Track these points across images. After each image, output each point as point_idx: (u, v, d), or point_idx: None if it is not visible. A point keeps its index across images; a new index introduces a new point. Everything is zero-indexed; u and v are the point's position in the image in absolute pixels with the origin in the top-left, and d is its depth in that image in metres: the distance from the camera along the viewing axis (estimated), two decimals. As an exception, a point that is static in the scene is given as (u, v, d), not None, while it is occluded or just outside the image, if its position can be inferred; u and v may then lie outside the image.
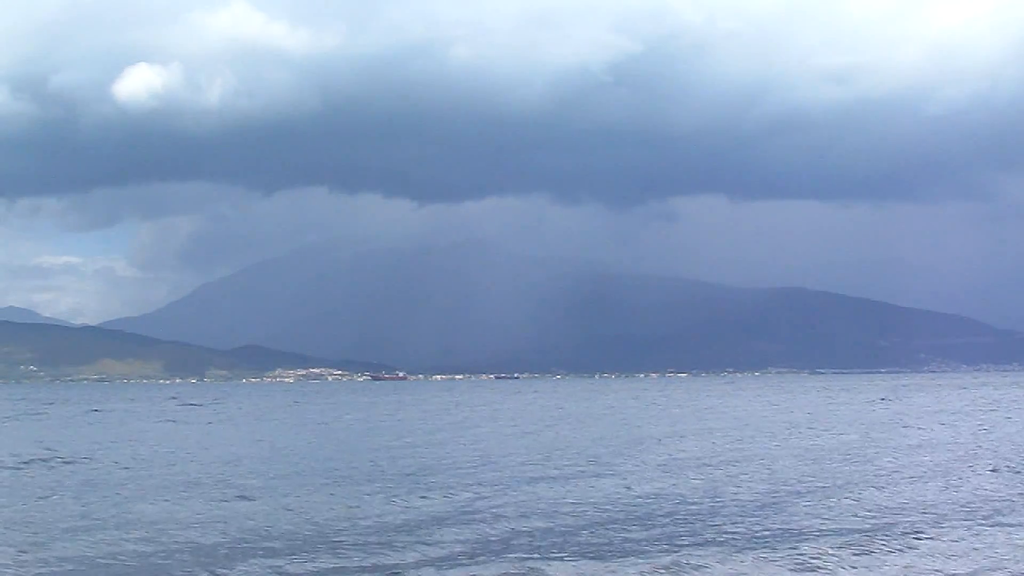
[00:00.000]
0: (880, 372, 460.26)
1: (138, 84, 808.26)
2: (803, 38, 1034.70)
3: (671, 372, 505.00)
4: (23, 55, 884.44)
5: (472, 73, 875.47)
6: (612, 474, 41.22)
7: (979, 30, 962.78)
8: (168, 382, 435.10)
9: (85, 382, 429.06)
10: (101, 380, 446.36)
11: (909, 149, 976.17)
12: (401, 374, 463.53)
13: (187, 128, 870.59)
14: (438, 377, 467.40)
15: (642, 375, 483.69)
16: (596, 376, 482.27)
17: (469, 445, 57.16)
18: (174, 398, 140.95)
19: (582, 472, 42.01)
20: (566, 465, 44.61)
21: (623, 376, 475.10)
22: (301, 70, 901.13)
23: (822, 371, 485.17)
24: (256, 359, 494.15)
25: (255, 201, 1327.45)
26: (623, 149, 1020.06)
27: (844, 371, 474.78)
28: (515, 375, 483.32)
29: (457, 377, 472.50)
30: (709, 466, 44.16)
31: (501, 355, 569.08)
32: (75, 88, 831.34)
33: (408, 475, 41.45)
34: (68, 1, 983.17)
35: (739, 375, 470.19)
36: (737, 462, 45.67)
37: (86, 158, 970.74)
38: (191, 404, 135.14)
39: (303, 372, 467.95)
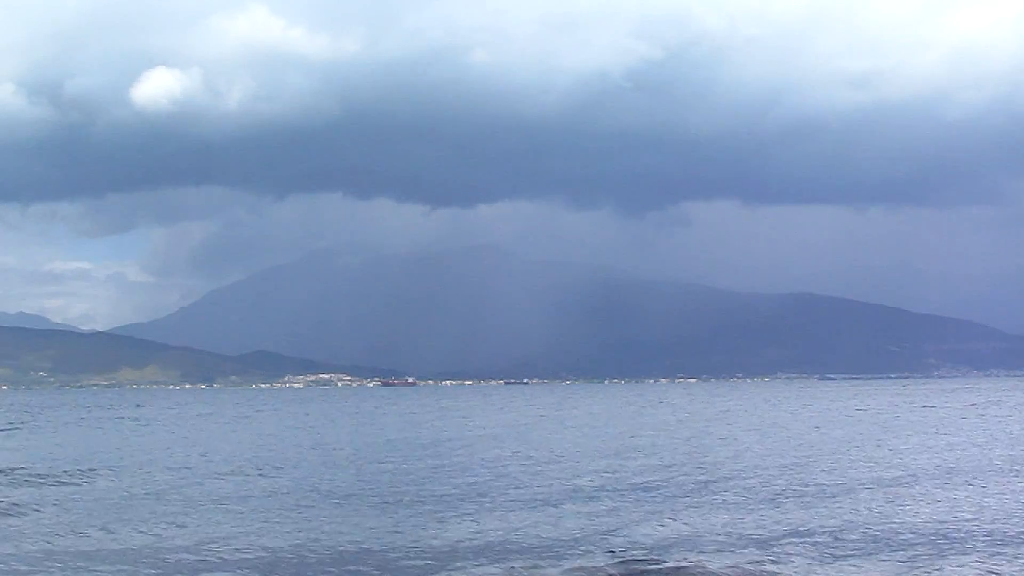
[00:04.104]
0: (890, 377, 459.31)
1: (157, 88, 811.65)
2: (823, 43, 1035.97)
3: (680, 378, 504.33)
4: (40, 59, 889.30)
5: (491, 78, 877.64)
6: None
7: (999, 35, 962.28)
8: (178, 387, 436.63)
9: (96, 388, 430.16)
10: (111, 386, 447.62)
11: (926, 153, 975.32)
12: (411, 380, 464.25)
13: (204, 133, 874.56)
14: (448, 383, 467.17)
15: (651, 381, 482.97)
16: (605, 382, 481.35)
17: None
18: (258, 412, 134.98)
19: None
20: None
21: (632, 382, 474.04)
22: (320, 75, 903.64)
23: (832, 376, 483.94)
24: (266, 365, 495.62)
25: (269, 206, 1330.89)
26: (639, 154, 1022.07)
27: (854, 376, 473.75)
28: (524, 381, 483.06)
29: (467, 383, 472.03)
30: None
31: (511, 361, 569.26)
32: (92, 92, 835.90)
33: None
34: (86, 5, 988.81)
35: (748, 381, 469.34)
36: None
37: (102, 163, 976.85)
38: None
39: (313, 378, 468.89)
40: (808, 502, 34.28)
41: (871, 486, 38.18)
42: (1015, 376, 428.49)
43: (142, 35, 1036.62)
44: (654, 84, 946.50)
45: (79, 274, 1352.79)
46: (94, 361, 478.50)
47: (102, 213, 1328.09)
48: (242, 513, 33.63)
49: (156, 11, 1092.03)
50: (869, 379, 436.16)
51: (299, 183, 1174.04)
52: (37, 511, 34.93)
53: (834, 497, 35.29)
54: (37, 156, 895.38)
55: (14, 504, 36.19)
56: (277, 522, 31.71)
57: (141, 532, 30.11)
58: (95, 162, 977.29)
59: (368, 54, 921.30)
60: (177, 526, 31.06)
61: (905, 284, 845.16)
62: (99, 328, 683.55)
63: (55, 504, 36.47)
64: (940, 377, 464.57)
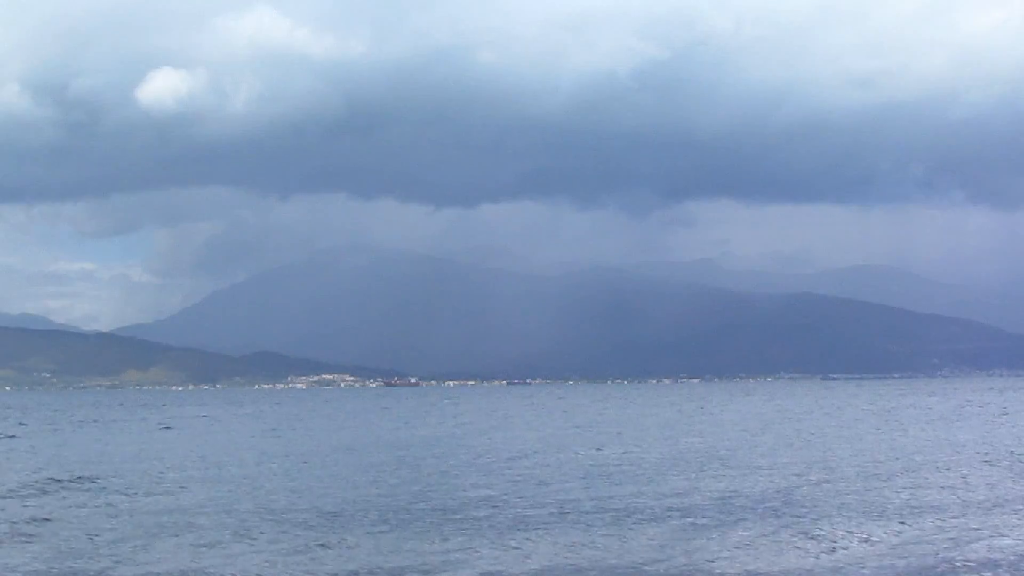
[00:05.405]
0: (893, 378, 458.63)
1: (162, 89, 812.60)
2: (829, 43, 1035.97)
3: (684, 377, 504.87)
4: (45, 60, 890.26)
5: (496, 78, 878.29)
6: None
7: (1005, 35, 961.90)
8: (182, 388, 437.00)
9: (99, 389, 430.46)
10: (115, 387, 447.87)
11: (932, 153, 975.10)
12: (414, 380, 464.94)
13: (209, 133, 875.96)
14: (451, 383, 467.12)
15: (654, 381, 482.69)
16: (609, 382, 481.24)
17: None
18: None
19: None
20: None
21: (636, 382, 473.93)
22: (325, 75, 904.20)
23: (834, 376, 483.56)
24: (269, 365, 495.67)
25: (273, 206, 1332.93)
26: (644, 154, 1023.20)
27: (856, 377, 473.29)
28: (527, 381, 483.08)
29: (470, 383, 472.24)
30: None
31: (514, 361, 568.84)
32: (97, 93, 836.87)
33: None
34: (91, 5, 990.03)
35: (752, 381, 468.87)
36: None
37: (106, 163, 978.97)
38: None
39: (316, 378, 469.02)
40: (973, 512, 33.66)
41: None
42: (1019, 376, 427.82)
43: (148, 35, 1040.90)
44: (660, 84, 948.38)
45: (83, 275, 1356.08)
46: (98, 362, 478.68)
47: (106, 214, 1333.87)
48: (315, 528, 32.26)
49: (162, 11, 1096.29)
50: (872, 379, 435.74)
51: (303, 183, 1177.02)
52: (67, 522, 33.61)
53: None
54: (42, 157, 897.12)
55: (41, 517, 34.75)
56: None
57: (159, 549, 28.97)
58: (100, 163, 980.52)
59: (374, 54, 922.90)
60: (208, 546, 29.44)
61: (908, 284, 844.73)
62: (103, 329, 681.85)
63: (86, 516, 34.93)
64: (944, 377, 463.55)
